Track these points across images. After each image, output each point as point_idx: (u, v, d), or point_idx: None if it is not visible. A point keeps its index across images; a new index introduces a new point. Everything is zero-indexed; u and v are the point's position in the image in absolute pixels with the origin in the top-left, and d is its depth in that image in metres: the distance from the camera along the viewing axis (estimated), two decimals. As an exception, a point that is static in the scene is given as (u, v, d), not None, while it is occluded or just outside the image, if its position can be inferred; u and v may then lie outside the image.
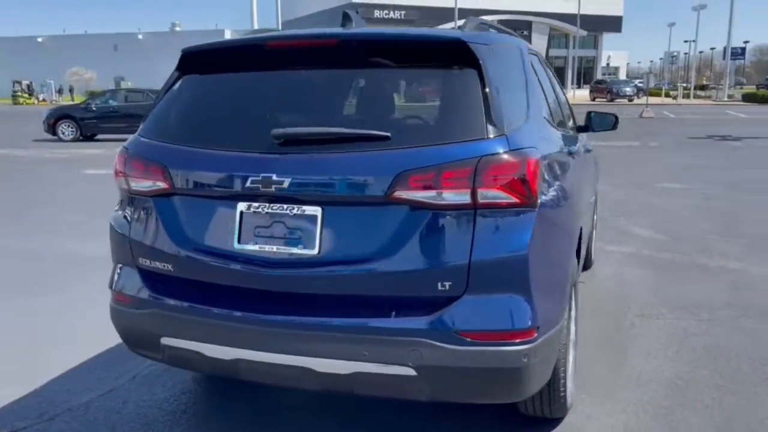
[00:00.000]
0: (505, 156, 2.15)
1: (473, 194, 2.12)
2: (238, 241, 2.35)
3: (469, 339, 2.13)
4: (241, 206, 2.35)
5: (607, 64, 69.81)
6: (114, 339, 2.91)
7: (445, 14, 51.60)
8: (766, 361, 3.42)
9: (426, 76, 2.38)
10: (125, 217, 2.65)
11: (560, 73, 58.47)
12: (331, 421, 2.93)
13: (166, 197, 2.50)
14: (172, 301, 2.47)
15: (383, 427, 2.88)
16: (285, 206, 2.28)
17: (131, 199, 2.62)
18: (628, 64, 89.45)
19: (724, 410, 2.92)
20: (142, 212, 2.58)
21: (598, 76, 59.60)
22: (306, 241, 2.26)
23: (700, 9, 50.75)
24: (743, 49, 55.64)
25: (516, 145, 2.20)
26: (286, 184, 2.24)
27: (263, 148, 2.32)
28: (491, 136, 2.18)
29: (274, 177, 2.25)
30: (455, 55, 2.31)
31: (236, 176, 2.34)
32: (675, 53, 45.98)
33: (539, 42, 53.94)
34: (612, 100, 42.39)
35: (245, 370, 2.40)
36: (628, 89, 43.95)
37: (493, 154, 2.14)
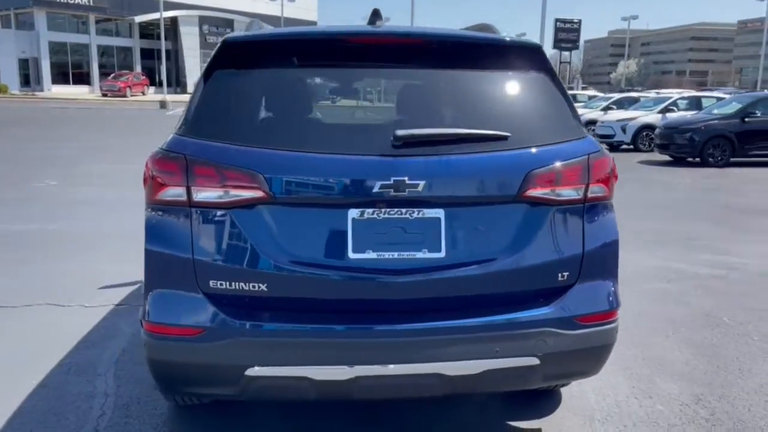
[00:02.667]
0: (602, 153, 2.42)
1: (585, 189, 2.35)
2: (353, 251, 2.20)
3: (582, 323, 2.36)
4: (353, 213, 2.21)
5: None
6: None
7: (141, 4, 48.60)
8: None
9: (508, 78, 2.49)
10: (179, 235, 2.24)
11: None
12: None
13: (251, 208, 2.20)
14: (265, 325, 2.21)
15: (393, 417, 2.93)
16: (404, 210, 2.23)
17: (191, 212, 2.23)
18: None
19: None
20: (214, 227, 2.23)
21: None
22: (430, 244, 2.24)
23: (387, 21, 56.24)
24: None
25: (598, 143, 2.49)
26: (415, 187, 2.19)
27: (379, 150, 2.22)
28: (585, 135, 2.43)
29: (406, 180, 2.18)
30: (534, 60, 2.49)
31: (353, 181, 2.20)
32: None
33: (242, 41, 54.00)
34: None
35: (365, 387, 2.27)
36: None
37: (596, 152, 2.40)
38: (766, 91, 18.74)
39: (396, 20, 50.02)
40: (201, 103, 2.34)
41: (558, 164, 2.33)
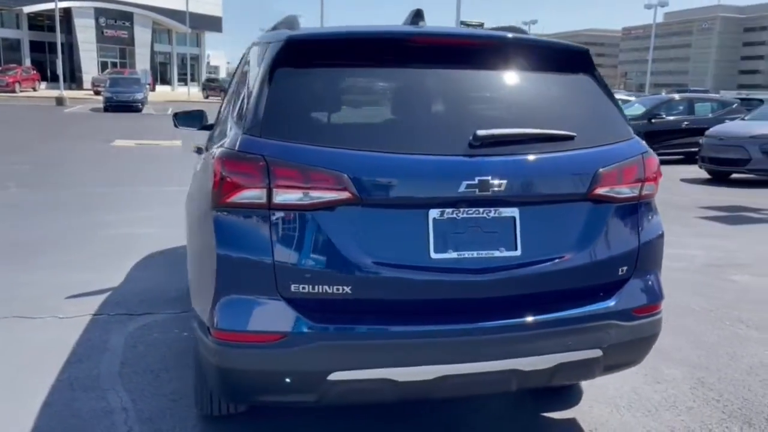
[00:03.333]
0: (651, 153, 2.55)
1: (641, 187, 2.46)
2: (435, 251, 2.21)
3: (637, 315, 2.48)
4: (434, 213, 2.22)
5: (207, 63, 71.04)
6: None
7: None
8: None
9: (563, 80, 2.56)
10: (257, 238, 2.16)
11: (164, 70, 57.30)
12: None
13: (334, 209, 2.15)
14: (348, 328, 2.17)
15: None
16: (481, 209, 2.25)
17: (271, 214, 2.15)
18: (228, 63, 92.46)
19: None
20: (295, 229, 2.16)
21: (204, 74, 60.30)
22: (506, 243, 2.28)
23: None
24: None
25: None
26: (499, 187, 2.22)
27: (461, 150, 2.23)
28: (634, 135, 2.55)
29: (490, 179, 2.20)
30: (584, 63, 2.59)
31: (438, 181, 2.20)
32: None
33: (143, 36, 51.86)
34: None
35: (448, 386, 2.27)
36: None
37: (647, 152, 2.52)
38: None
39: (304, 20, 49.65)
40: (270, 103, 2.25)
41: (621, 163, 2.43)
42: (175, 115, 4.77)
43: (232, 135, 2.33)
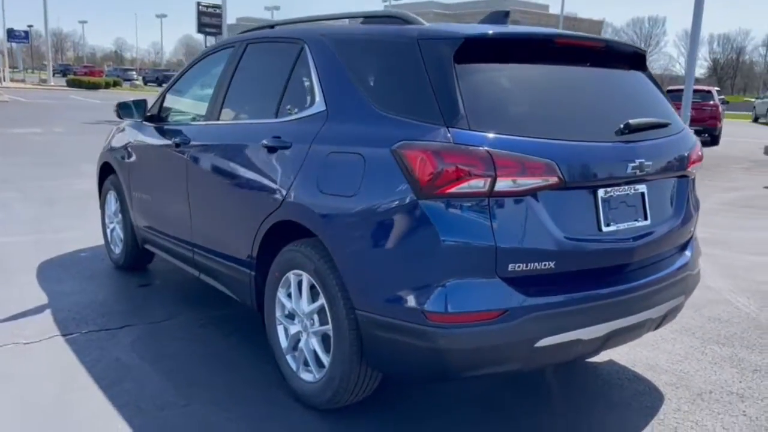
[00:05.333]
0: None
1: (696, 166, 3.09)
2: (605, 224, 2.57)
3: (696, 266, 3.12)
4: (601, 192, 2.57)
5: None
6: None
7: None
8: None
9: (644, 77, 3.08)
10: (478, 225, 2.31)
11: None
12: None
13: (540, 194, 2.39)
14: (552, 299, 2.44)
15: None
16: (626, 187, 2.67)
17: (491, 202, 2.31)
18: None
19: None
20: (511, 214, 2.35)
21: None
22: (641, 214, 2.73)
23: None
24: (27, 33, 55.21)
25: None
26: (648, 168, 2.65)
27: (622, 138, 2.61)
28: (684, 125, 3.17)
29: (644, 162, 2.62)
30: (645, 62, 3.13)
31: (616, 164, 2.57)
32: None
33: None
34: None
35: (611, 340, 2.65)
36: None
37: (697, 138, 3.16)
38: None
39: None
40: (467, 97, 2.37)
41: (694, 147, 3.02)
42: (119, 106, 4.43)
43: (415, 128, 2.40)
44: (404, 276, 2.40)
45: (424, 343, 2.34)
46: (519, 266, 2.36)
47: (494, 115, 2.44)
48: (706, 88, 19.72)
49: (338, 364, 2.67)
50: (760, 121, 33.32)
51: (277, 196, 2.94)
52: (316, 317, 2.84)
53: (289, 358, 3.03)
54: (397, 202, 2.39)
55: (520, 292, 2.36)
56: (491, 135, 2.34)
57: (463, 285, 2.32)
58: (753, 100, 45.11)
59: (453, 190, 2.29)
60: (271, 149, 3.04)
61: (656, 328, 2.97)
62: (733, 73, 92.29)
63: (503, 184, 2.31)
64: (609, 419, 2.91)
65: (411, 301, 2.36)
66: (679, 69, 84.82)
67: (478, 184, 2.29)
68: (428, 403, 3.02)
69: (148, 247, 4.58)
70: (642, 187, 2.73)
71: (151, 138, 4.30)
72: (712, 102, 17.61)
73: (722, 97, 21.80)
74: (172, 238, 4.09)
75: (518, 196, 2.35)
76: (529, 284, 2.40)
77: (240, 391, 3.07)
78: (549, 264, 2.41)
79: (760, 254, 6.03)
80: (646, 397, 3.13)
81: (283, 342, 3.06)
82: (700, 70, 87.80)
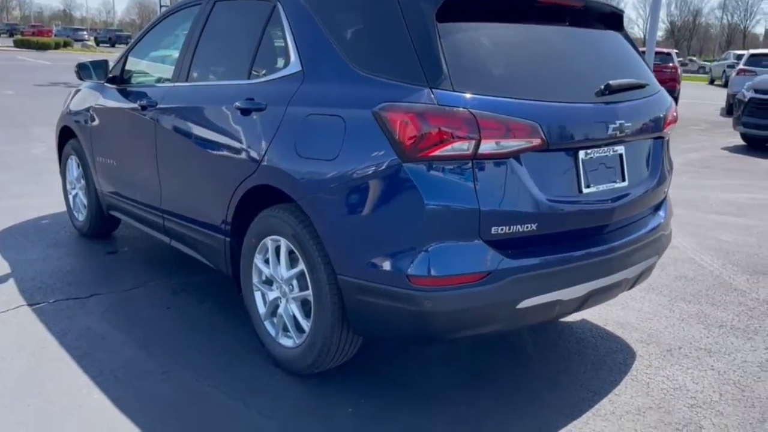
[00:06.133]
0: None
1: (668, 128, 3.11)
2: (585, 186, 2.59)
3: (669, 225, 3.17)
4: (581, 154, 2.57)
5: None
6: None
7: None
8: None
9: (621, 37, 3.04)
10: (461, 188, 2.30)
11: None
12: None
13: (523, 156, 2.39)
14: (534, 261, 2.45)
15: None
16: (606, 148, 2.68)
17: (474, 164, 2.29)
18: None
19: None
20: (495, 176, 2.34)
21: None
22: (619, 176, 2.75)
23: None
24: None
25: None
26: (627, 129, 2.66)
27: (603, 99, 2.61)
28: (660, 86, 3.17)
29: (624, 123, 2.63)
30: (620, 21, 3.12)
31: (596, 125, 2.57)
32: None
33: None
34: None
35: (590, 300, 2.69)
36: None
37: (672, 100, 3.18)
38: None
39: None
40: (450, 56, 2.32)
41: (670, 108, 3.04)
42: (79, 67, 4.27)
43: (397, 88, 2.34)
44: (387, 240, 2.38)
45: (408, 307, 2.34)
46: (502, 229, 2.36)
47: (477, 75, 2.40)
48: (665, 50, 19.96)
49: (319, 329, 2.66)
50: (715, 83, 34.05)
51: (253, 160, 2.86)
52: (295, 283, 2.81)
53: (267, 324, 3.01)
54: (379, 166, 2.36)
55: (503, 254, 2.37)
56: (475, 96, 2.30)
57: (446, 248, 2.31)
58: (709, 63, 46.04)
59: (437, 153, 2.26)
60: (245, 111, 2.95)
61: (631, 287, 3.02)
62: (689, 35, 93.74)
63: (487, 146, 2.29)
64: (586, 377, 2.98)
65: (394, 265, 2.35)
66: (638, 31, 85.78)
67: (462, 147, 2.26)
68: (411, 367, 3.04)
69: (114, 213, 4.45)
70: (620, 149, 2.74)
71: (115, 101, 4.14)
72: (671, 64, 17.84)
73: (680, 59, 22.15)
74: (141, 205, 3.98)
75: (502, 158, 2.34)
76: (511, 246, 2.40)
77: (219, 358, 3.04)
78: (531, 226, 2.42)
79: (721, 213, 6.21)
80: (619, 354, 3.21)
81: (261, 308, 3.03)
82: (658, 32, 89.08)
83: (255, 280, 3.04)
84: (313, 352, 2.71)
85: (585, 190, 2.59)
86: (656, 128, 2.92)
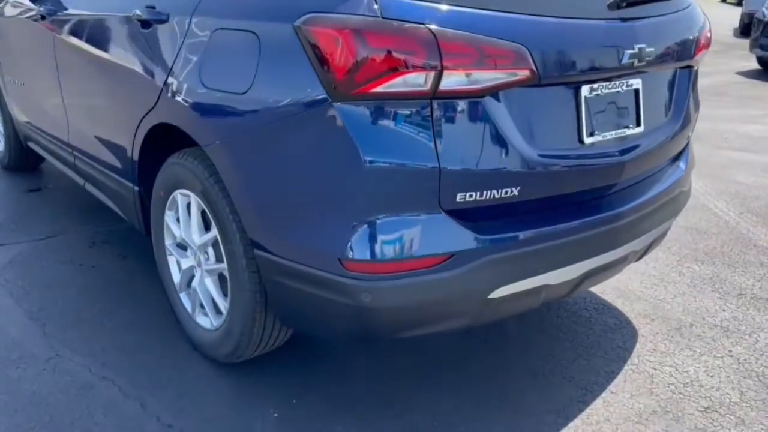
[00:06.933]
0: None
1: (700, 54, 2.40)
2: (587, 135, 1.92)
3: (689, 179, 2.53)
4: (584, 90, 1.90)
5: None
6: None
7: None
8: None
9: None
10: (414, 139, 1.64)
11: None
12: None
13: (503, 94, 1.71)
14: (514, 236, 1.82)
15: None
16: (617, 83, 2.00)
17: (433, 105, 1.62)
18: None
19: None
20: (463, 123, 1.67)
21: None
22: (633, 119, 2.08)
23: None
24: None
25: None
26: (649, 56, 1.96)
27: (616, 14, 1.90)
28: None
29: (645, 48, 1.93)
30: None
31: (601, 51, 1.88)
32: None
33: None
34: None
35: (586, 281, 2.09)
36: None
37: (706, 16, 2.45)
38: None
39: None
40: None
41: (705, 27, 2.32)
42: None
43: None
44: (312, 208, 1.75)
45: (340, 299, 1.73)
46: (471, 195, 1.71)
47: None
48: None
49: (237, 314, 2.07)
50: (728, 1, 32.31)
51: (153, 90, 2.19)
52: (210, 251, 2.20)
53: (183, 296, 2.42)
54: (301, 105, 1.69)
55: (471, 229, 1.74)
56: (436, 6, 1.61)
57: (393, 222, 1.68)
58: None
59: (380, 88, 1.58)
60: (145, 24, 2.25)
61: (638, 259, 2.41)
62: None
63: (452, 79, 1.61)
64: (575, 367, 2.42)
65: (322, 242, 1.72)
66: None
67: (417, 80, 1.58)
68: (365, 353, 2.46)
69: (31, 146, 3.78)
70: (637, 82, 2.06)
71: (18, 7, 3.38)
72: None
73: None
74: (51, 137, 3.31)
75: (473, 96, 1.66)
76: (483, 218, 1.77)
77: (126, 337, 2.47)
78: (512, 191, 1.77)
79: (737, 149, 5.53)
80: (618, 334, 2.64)
81: (176, 277, 2.43)
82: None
83: (168, 242, 2.43)
84: (231, 341, 2.13)
85: (587, 140, 1.92)
86: (685, 55, 2.21)
